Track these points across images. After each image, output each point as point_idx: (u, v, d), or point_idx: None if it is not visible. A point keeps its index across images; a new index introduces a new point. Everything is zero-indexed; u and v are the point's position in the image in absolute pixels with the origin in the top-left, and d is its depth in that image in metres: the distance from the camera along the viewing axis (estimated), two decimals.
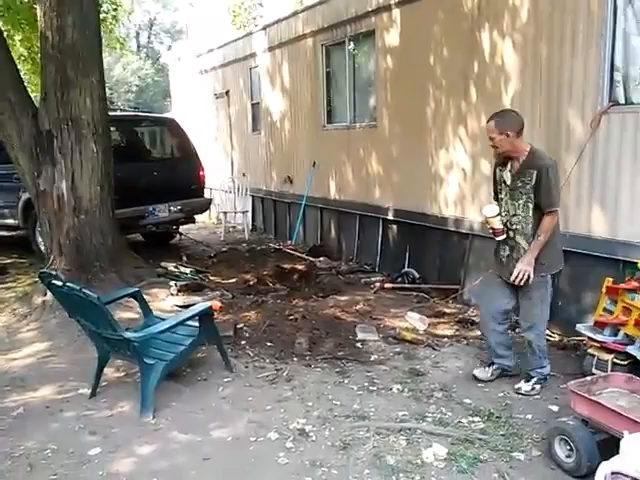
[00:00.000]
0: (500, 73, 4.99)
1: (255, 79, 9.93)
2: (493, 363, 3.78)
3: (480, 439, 2.99)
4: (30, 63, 9.56)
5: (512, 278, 3.42)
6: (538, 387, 3.59)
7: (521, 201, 3.40)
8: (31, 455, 2.96)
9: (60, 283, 3.28)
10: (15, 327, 4.94)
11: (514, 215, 3.46)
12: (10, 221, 7.75)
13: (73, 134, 5.22)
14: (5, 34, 6.91)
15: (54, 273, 3.51)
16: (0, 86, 5.28)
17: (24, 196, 7.13)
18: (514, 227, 3.47)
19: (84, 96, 5.23)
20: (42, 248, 7.03)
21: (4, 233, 8.01)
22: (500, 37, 4.96)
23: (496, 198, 3.64)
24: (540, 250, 3.37)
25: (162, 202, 7.52)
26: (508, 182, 3.47)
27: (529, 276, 3.36)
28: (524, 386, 3.59)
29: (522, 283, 3.39)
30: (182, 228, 8.79)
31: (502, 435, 3.04)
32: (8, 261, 7.62)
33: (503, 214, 3.51)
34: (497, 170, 3.60)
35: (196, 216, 8.71)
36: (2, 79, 5.29)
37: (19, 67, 7.33)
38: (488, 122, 3.42)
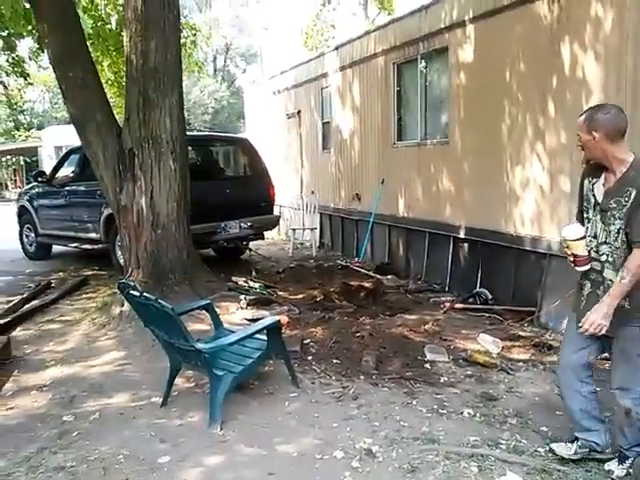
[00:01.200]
0: (581, 87, 4.78)
1: (326, 98, 10.07)
2: (577, 439, 2.95)
3: (559, 470, 2.81)
4: (116, 86, 10.15)
5: (580, 330, 2.65)
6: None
7: (613, 227, 2.62)
8: (105, 459, 3.07)
9: (137, 293, 3.41)
10: (94, 336, 5.17)
11: (604, 243, 2.67)
12: (93, 235, 8.16)
13: (153, 152, 5.47)
14: (95, 60, 7.40)
15: (132, 284, 3.64)
16: (89, 108, 5.64)
17: (106, 212, 7.52)
18: (603, 258, 2.68)
19: (164, 116, 5.48)
20: (121, 261, 7.31)
21: (87, 246, 8.47)
22: (581, 50, 4.77)
23: (581, 218, 2.83)
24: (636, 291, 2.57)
25: (233, 219, 7.71)
26: (599, 199, 2.69)
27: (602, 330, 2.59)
28: (617, 470, 2.77)
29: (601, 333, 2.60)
30: (252, 244, 8.97)
31: (583, 468, 2.84)
32: (89, 273, 8.05)
33: (589, 239, 2.72)
34: (586, 181, 2.81)
35: (265, 232, 8.89)
36: (91, 101, 5.65)
37: (106, 90, 7.80)
38: (579, 117, 2.72)
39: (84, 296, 6.79)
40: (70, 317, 5.85)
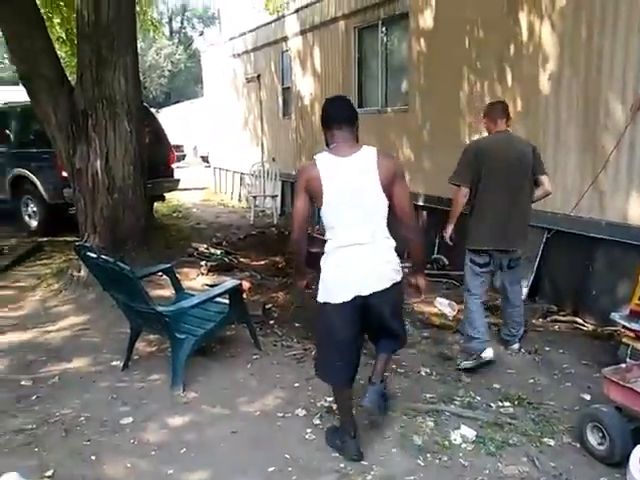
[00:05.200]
0: (537, 56, 4.86)
1: (286, 63, 9.91)
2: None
3: (509, 423, 2.96)
4: (69, 45, 9.66)
5: None
6: None
7: None
8: (66, 422, 3.05)
9: (95, 255, 3.34)
10: (50, 301, 5.07)
11: None
12: (1, 195, 8.57)
13: (107, 113, 5.28)
14: (44, 16, 7.02)
15: (89, 245, 3.57)
16: (37, 65, 5.37)
17: (13, 172, 8.26)
18: None
19: (118, 76, 5.28)
20: (26, 220, 8.42)
21: None
22: (538, 19, 4.83)
23: None
24: None
25: None
26: None
27: None
28: None
29: None
30: (212, 213, 8.89)
31: (532, 420, 3.01)
32: (44, 239, 7.80)
33: None
34: None
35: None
36: (40, 58, 5.37)
37: (57, 49, 7.43)
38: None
39: (38, 262, 6.61)
40: (25, 283, 5.70)
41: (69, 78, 5.76)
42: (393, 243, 2.64)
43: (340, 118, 2.60)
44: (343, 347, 2.61)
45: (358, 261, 2.55)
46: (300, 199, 2.58)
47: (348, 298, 2.54)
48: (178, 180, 9.47)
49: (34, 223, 8.36)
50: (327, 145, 2.65)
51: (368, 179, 2.50)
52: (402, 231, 2.66)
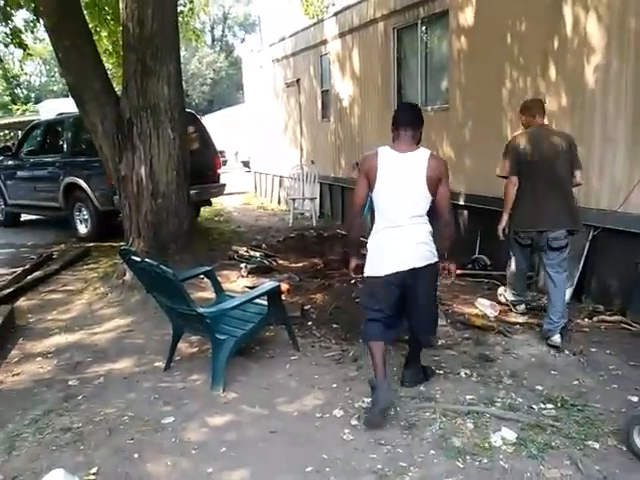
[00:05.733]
0: (582, 49, 4.72)
1: (325, 66, 9.96)
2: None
3: (552, 426, 2.88)
4: (115, 57, 10.00)
5: None
6: None
7: None
8: (110, 420, 3.15)
9: (139, 259, 3.45)
10: (97, 304, 5.25)
11: None
12: (54, 203, 8.99)
13: (151, 121, 5.41)
14: (92, 30, 7.29)
15: (133, 249, 3.68)
16: (86, 76, 5.58)
17: (65, 181, 8.60)
18: None
19: (162, 84, 5.40)
20: (77, 226, 8.75)
21: (50, 214, 9.59)
22: (584, 10, 4.69)
23: None
24: None
25: None
26: None
27: None
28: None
29: None
30: (252, 216, 9.01)
31: (576, 423, 2.91)
32: (90, 244, 8.08)
33: None
34: None
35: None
36: (88, 70, 5.59)
37: (105, 61, 7.72)
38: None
39: (85, 267, 6.84)
40: (72, 287, 5.92)
41: (115, 89, 5.96)
42: (430, 228, 3.06)
43: (407, 121, 3.08)
44: (383, 309, 3.04)
45: (400, 240, 2.99)
46: (361, 184, 3.06)
47: (390, 271, 2.98)
48: (224, 185, 9.62)
49: (85, 229, 8.66)
50: (393, 141, 3.09)
51: (416, 174, 2.95)
52: (439, 224, 3.07)
